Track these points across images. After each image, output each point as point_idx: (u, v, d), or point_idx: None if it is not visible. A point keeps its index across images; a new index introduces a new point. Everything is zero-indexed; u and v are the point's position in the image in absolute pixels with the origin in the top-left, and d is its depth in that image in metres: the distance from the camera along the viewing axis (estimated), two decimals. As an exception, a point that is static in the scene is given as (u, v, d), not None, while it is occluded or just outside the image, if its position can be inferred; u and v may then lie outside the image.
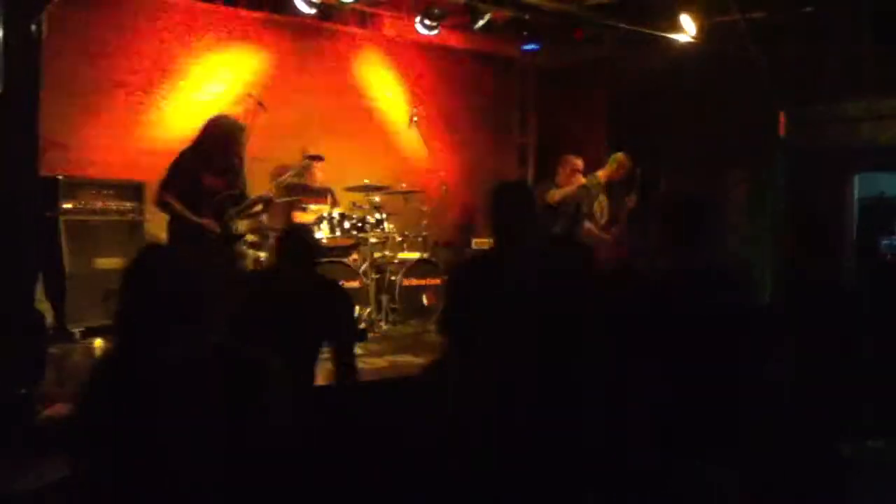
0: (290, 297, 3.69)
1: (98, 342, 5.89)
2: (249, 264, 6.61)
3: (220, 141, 5.10)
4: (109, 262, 6.24)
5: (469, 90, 8.50)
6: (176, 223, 5.05)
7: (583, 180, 6.83)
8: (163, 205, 5.09)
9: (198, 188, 5.00)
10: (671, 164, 7.58)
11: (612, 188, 7.01)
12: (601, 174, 6.91)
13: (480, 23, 6.84)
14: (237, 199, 5.22)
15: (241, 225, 5.38)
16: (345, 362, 3.70)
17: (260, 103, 6.58)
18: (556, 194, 6.78)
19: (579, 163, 6.94)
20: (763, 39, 6.93)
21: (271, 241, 6.69)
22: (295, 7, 6.58)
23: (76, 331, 5.96)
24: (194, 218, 4.94)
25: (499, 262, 3.44)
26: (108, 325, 5.88)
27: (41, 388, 4.60)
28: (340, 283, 4.99)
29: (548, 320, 3.26)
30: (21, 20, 3.66)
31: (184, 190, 4.99)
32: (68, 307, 5.94)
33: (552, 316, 3.27)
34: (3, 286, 3.87)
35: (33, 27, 3.66)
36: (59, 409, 4.30)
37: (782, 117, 7.13)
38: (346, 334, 3.82)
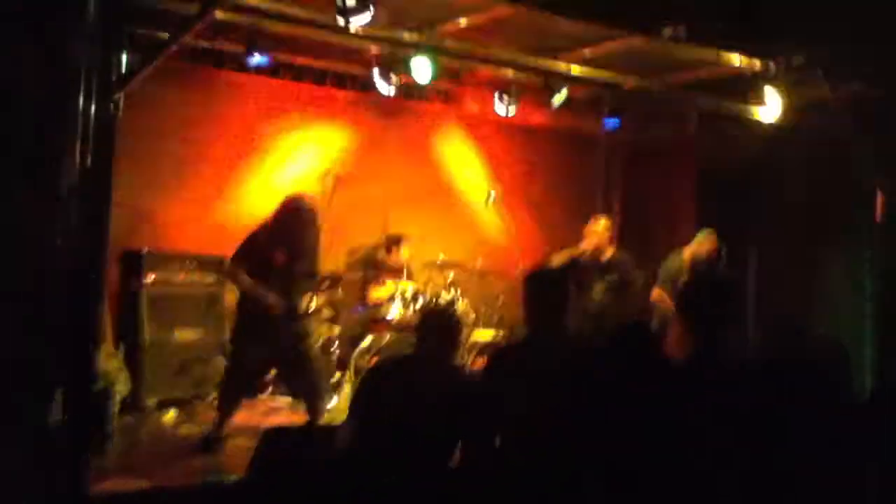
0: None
1: (170, 414, 5.97)
2: (321, 339, 6.64)
3: (292, 221, 5.16)
4: (188, 334, 6.38)
5: (550, 168, 8.44)
6: (243, 297, 5.10)
7: (582, 247, 6.45)
8: (232, 276, 5.18)
9: (267, 266, 5.06)
10: (762, 242, 7.30)
11: (698, 266, 6.75)
12: (688, 252, 6.69)
13: (557, 100, 6.78)
14: (306, 277, 5.25)
15: (310, 302, 5.39)
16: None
17: (337, 177, 6.66)
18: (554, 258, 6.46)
19: (591, 225, 6.57)
20: (860, 115, 6.63)
21: (345, 315, 6.74)
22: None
23: (150, 402, 6.06)
24: (260, 292, 4.98)
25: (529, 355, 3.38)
26: (182, 398, 6.00)
27: (104, 460, 4.69)
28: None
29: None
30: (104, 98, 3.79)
31: (254, 266, 5.05)
32: (146, 378, 6.06)
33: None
34: (66, 356, 3.93)
35: (111, 105, 3.79)
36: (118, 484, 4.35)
37: (880, 198, 6.75)
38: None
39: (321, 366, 5.32)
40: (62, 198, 3.43)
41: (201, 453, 4.99)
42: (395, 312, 6.66)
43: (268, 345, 5.04)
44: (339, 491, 3.71)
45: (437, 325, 3.82)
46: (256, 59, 6.29)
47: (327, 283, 5.53)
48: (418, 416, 3.62)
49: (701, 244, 6.68)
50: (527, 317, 3.58)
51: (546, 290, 3.60)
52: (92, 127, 3.53)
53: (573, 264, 6.35)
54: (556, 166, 8.49)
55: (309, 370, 5.20)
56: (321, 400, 5.24)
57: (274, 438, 4.23)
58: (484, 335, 7.16)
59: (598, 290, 6.41)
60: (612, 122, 7.70)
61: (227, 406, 5.11)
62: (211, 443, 5.02)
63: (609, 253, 6.55)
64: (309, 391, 5.20)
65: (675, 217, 7.94)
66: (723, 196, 7.61)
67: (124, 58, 3.91)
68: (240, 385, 5.18)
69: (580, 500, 3.01)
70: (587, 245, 6.45)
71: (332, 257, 6.33)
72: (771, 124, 6.61)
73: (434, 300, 6.76)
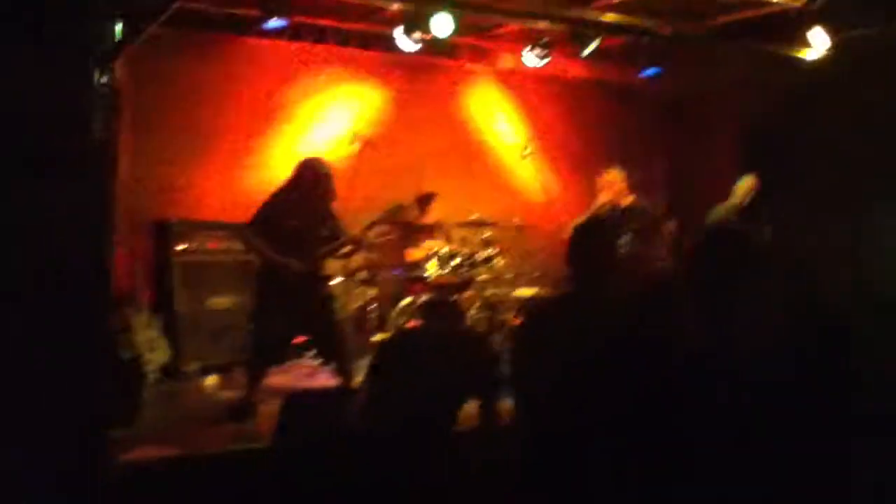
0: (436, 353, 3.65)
1: (210, 380, 6.03)
2: (358, 301, 6.62)
3: (310, 184, 5.10)
4: (222, 302, 6.42)
5: (589, 121, 8.19)
6: (263, 264, 5.08)
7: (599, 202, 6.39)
8: (248, 244, 5.16)
9: (287, 231, 5.01)
10: (808, 193, 6.96)
11: (745, 217, 6.52)
12: (732, 202, 6.47)
13: (588, 50, 6.53)
14: (327, 241, 5.19)
15: (332, 266, 5.35)
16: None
17: (364, 139, 6.57)
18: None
19: (602, 179, 6.47)
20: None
21: (380, 278, 6.69)
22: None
23: (192, 368, 6.12)
24: (278, 258, 4.94)
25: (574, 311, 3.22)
26: (222, 364, 6.03)
27: (136, 429, 4.74)
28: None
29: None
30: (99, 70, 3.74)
31: (273, 232, 5.01)
32: (183, 346, 6.12)
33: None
34: (84, 326, 3.94)
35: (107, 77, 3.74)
36: (147, 452, 4.39)
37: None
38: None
39: (347, 329, 5.27)
40: (61, 174, 3.41)
41: (234, 420, 5.00)
42: (431, 272, 6.60)
43: (291, 311, 5.01)
44: (357, 457, 3.69)
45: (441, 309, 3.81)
46: (273, 22, 6.22)
47: (356, 245, 5.44)
48: (430, 380, 3.58)
49: (745, 190, 6.46)
50: (571, 271, 3.43)
51: (594, 241, 3.45)
52: (89, 101, 3.49)
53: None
54: (594, 119, 8.23)
55: (335, 334, 5.17)
56: (349, 363, 5.21)
57: (294, 404, 4.23)
58: (525, 293, 7.05)
59: (623, 242, 6.26)
60: (650, 72, 7.44)
61: (255, 373, 5.11)
62: (243, 409, 5.03)
63: (627, 202, 6.43)
64: (337, 355, 5.17)
65: (717, 168, 7.64)
66: (767, 146, 7.29)
67: (118, 28, 3.83)
68: (265, 352, 5.17)
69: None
70: (604, 198, 6.37)
71: (365, 220, 6.27)
72: (817, 68, 6.28)
73: (470, 258, 6.65)
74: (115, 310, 6.05)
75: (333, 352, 5.20)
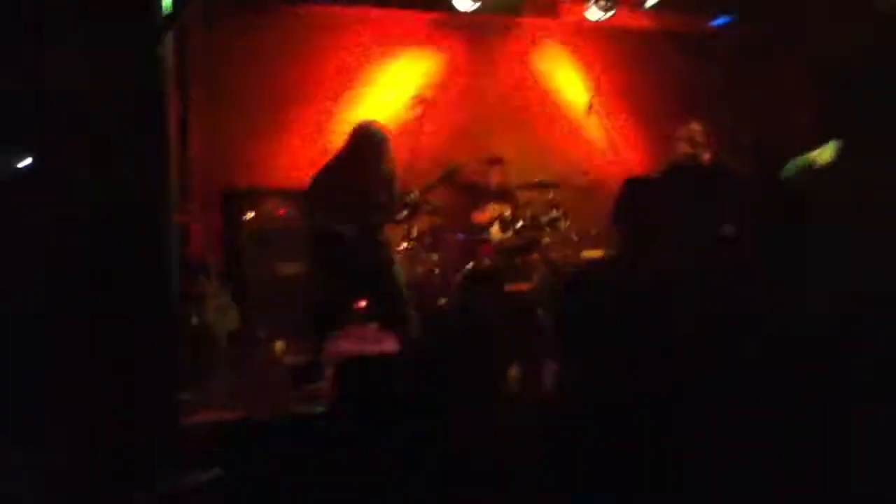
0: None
1: (279, 345, 6.18)
2: (422, 266, 6.65)
3: (364, 149, 5.11)
4: (291, 268, 6.54)
5: (658, 73, 7.90)
6: (319, 231, 5.13)
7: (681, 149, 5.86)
8: (306, 212, 5.22)
9: (343, 196, 5.04)
10: (887, 144, 6.57)
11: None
12: (813, 157, 6.16)
13: (652, 1, 6.32)
14: (385, 206, 5.21)
15: (394, 231, 5.37)
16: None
17: (426, 102, 6.53)
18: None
19: (683, 130, 5.93)
20: None
21: (444, 242, 6.69)
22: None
23: (260, 335, 6.28)
24: (332, 225, 5.00)
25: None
26: (291, 330, 6.17)
27: (203, 393, 4.91)
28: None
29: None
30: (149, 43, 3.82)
31: (330, 198, 5.05)
32: (252, 312, 6.28)
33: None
34: (152, 294, 4.09)
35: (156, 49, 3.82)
36: (211, 415, 4.56)
37: None
38: None
39: (405, 294, 5.29)
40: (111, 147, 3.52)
41: (298, 384, 5.12)
42: (495, 236, 6.56)
43: (349, 276, 5.07)
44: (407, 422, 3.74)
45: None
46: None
47: (413, 210, 5.44)
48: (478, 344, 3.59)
49: (821, 155, 6.13)
50: (619, 232, 3.31)
51: (643, 201, 3.29)
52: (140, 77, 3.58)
53: (671, 174, 5.96)
54: (665, 71, 7.94)
55: (393, 299, 5.20)
56: (409, 329, 5.24)
57: (348, 370, 4.30)
58: (592, 254, 6.93)
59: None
60: (721, 20, 7.14)
61: (319, 338, 5.20)
62: (307, 373, 5.14)
63: (707, 159, 6.11)
64: (395, 320, 5.21)
65: (787, 119, 7.29)
66: (845, 94, 6.90)
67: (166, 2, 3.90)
68: (325, 318, 5.25)
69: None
70: (682, 151, 6.06)
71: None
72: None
73: (534, 221, 6.58)
74: (187, 278, 6.32)
75: (392, 317, 5.24)
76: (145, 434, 3.94)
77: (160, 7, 3.81)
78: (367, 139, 5.13)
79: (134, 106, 3.67)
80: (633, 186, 3.35)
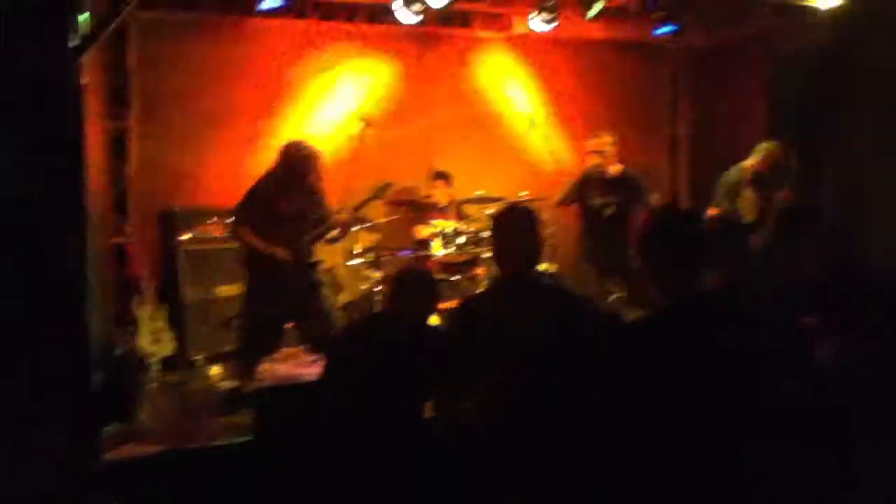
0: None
1: (215, 370, 6.00)
2: (364, 284, 6.51)
3: (294, 167, 5.00)
4: (228, 290, 6.36)
5: (610, 83, 7.81)
6: (250, 253, 5.00)
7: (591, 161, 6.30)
8: (233, 234, 5.09)
9: (272, 215, 4.93)
10: (839, 155, 6.52)
11: (763, 182, 6.17)
12: (748, 164, 6.14)
13: (593, 12, 6.23)
14: (316, 225, 5.08)
15: (319, 251, 5.24)
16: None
17: (367, 118, 6.39)
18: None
19: (591, 143, 6.35)
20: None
21: (386, 259, 6.56)
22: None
23: (197, 359, 6.11)
24: (264, 247, 4.87)
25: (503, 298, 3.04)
26: (227, 353, 6.00)
27: (130, 424, 4.74)
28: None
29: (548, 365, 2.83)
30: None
31: (258, 217, 4.94)
32: (189, 336, 6.11)
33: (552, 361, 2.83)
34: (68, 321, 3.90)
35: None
36: (128, 450, 4.39)
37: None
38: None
39: (336, 316, 5.16)
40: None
41: (227, 412, 4.96)
42: (437, 252, 6.45)
43: (281, 298, 4.93)
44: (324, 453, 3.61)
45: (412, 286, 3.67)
46: (269, 2, 6.11)
47: (344, 228, 5.30)
48: (385, 373, 3.46)
49: (765, 157, 6.10)
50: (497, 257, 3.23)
51: (515, 228, 3.23)
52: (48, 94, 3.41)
53: (580, 183, 6.33)
54: (617, 80, 7.85)
55: (324, 321, 5.07)
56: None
57: (269, 399, 4.17)
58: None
59: (605, 209, 6.28)
60: (666, 29, 7.08)
61: (248, 363, 5.06)
62: (235, 400, 4.99)
63: (615, 170, 6.26)
64: (324, 343, 5.06)
65: (746, 126, 7.23)
66: (799, 100, 6.85)
67: (81, 18, 3.73)
68: (257, 342, 5.11)
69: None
70: (589, 162, 6.29)
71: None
72: (851, 10, 5.87)
73: (476, 235, 6.47)
74: (118, 303, 6.15)
75: (322, 339, 5.10)
76: (63, 476, 3.76)
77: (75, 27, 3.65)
78: (296, 156, 5.01)
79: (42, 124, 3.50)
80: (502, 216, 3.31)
